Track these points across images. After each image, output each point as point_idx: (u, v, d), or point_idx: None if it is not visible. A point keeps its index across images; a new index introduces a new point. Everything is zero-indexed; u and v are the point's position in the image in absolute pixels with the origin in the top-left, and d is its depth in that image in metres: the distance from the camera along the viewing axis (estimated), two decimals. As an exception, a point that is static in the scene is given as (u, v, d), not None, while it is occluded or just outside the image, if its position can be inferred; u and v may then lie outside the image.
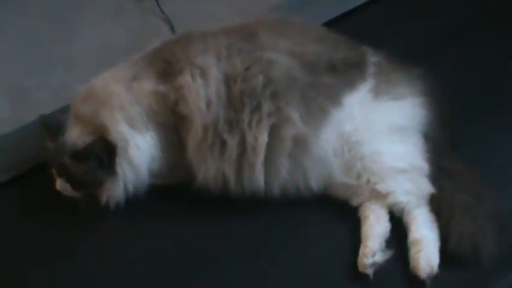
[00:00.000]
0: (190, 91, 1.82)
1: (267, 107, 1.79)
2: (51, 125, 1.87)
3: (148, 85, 1.85)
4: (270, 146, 1.80)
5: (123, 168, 1.83)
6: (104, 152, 1.81)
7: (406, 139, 1.83)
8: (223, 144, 1.81)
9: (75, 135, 1.84)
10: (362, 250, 1.71)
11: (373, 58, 1.92)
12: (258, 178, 1.80)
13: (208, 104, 1.81)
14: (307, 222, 1.82)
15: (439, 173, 1.81)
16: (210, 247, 1.79)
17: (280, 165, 1.80)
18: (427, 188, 1.78)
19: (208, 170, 1.82)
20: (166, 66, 1.86)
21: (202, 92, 1.81)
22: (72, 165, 1.82)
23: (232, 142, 1.80)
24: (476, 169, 1.82)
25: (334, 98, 1.81)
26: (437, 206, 1.77)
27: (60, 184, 1.85)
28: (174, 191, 1.87)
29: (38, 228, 1.87)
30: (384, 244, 1.73)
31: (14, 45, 2.23)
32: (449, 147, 1.88)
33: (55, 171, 1.85)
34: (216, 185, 1.83)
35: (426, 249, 1.68)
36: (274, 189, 1.82)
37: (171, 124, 1.85)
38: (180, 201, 1.86)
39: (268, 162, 1.80)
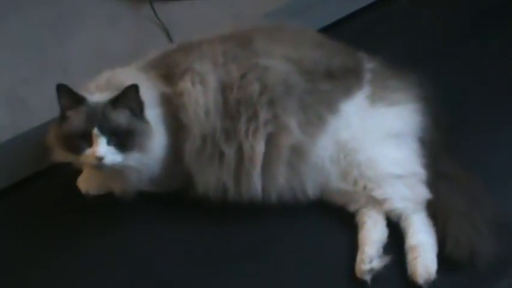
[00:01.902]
0: (190, 98, 1.81)
1: (263, 115, 1.79)
2: (72, 95, 1.77)
3: (159, 85, 1.84)
4: (267, 155, 1.80)
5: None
6: (135, 100, 1.75)
7: (402, 145, 1.84)
8: (222, 154, 1.80)
9: (102, 96, 1.78)
10: (359, 256, 1.72)
11: (369, 64, 1.93)
12: (256, 186, 1.81)
13: (207, 113, 1.80)
14: (304, 229, 1.83)
15: (436, 177, 1.82)
16: (209, 256, 1.80)
17: (278, 173, 1.80)
18: (424, 193, 1.79)
19: (208, 179, 1.82)
20: (167, 70, 1.85)
21: (201, 100, 1.81)
22: (113, 113, 1.75)
23: (229, 152, 1.80)
24: (475, 174, 1.83)
25: (331, 105, 1.82)
26: (434, 210, 1.77)
27: (98, 151, 1.72)
28: (172, 199, 1.87)
29: (36, 235, 1.88)
30: (381, 250, 1.73)
31: (13, 52, 2.23)
32: (446, 151, 1.88)
33: (97, 130, 1.73)
34: (216, 193, 1.83)
35: (424, 255, 1.69)
36: (271, 197, 1.82)
37: (173, 129, 1.83)
38: (178, 209, 1.87)
39: (266, 170, 1.80)
